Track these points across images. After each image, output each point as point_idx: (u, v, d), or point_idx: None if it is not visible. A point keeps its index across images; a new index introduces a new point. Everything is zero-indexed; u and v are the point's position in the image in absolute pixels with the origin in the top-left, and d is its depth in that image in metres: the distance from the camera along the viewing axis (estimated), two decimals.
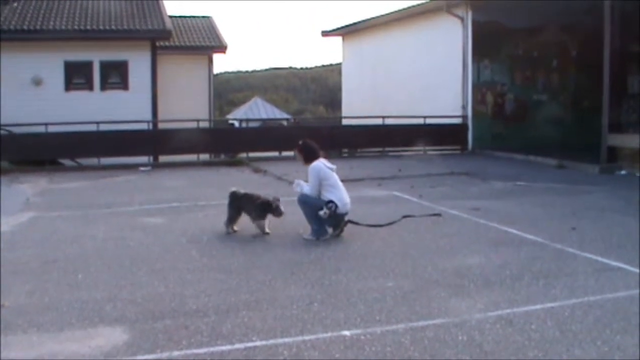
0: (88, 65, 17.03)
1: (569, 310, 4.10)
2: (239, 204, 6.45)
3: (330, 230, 6.37)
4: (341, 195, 6.32)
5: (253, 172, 12.82)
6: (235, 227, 6.58)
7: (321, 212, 6.09)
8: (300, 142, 6.35)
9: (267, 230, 6.32)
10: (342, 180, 6.65)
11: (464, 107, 16.54)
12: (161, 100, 18.19)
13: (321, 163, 6.23)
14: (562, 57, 17.59)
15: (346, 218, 6.43)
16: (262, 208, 6.33)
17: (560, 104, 17.47)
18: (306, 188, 6.30)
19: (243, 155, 15.50)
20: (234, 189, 6.69)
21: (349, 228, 6.56)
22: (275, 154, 15.55)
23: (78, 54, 16.93)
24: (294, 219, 6.88)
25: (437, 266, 5.26)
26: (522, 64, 17.07)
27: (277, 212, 6.26)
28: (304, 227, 6.55)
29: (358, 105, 21.04)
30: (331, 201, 6.18)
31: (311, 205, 6.23)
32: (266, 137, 15.70)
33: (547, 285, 4.69)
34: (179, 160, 14.32)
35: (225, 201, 6.81)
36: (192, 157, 14.72)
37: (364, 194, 9.38)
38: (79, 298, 4.41)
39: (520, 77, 17.12)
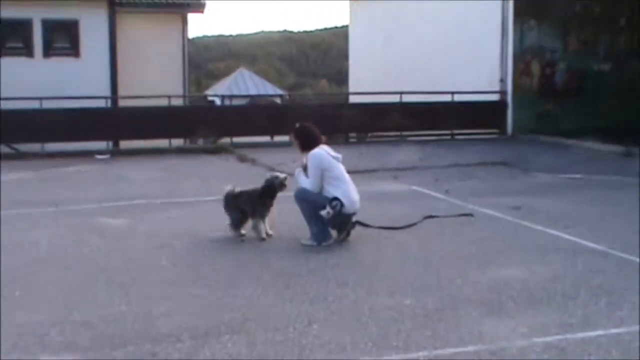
0: (26, 25, 17.09)
1: (638, 338, 4.06)
2: (237, 203, 6.65)
3: (334, 233, 6.47)
4: (348, 191, 6.39)
5: (238, 161, 12.93)
6: (243, 230, 6.76)
7: (323, 212, 6.16)
8: (297, 125, 6.43)
9: (264, 235, 6.51)
10: (350, 172, 6.74)
11: (502, 81, 16.62)
12: (122, 70, 18.17)
13: (323, 150, 6.31)
14: (635, 14, 16.91)
15: (354, 219, 6.52)
16: (267, 194, 6.52)
17: (628, 76, 16.98)
18: (305, 181, 6.38)
19: (226, 140, 15.67)
20: (228, 188, 6.80)
21: (357, 231, 6.67)
22: (266, 139, 15.71)
23: (13, 10, 16.49)
24: (289, 220, 7.00)
25: (468, 279, 5.31)
26: (578, 25, 16.72)
27: (282, 186, 6.52)
28: (303, 230, 6.65)
29: (368, 80, 21.05)
30: (336, 198, 6.24)
31: (311, 203, 6.30)
32: (254, 118, 15.74)
33: (610, 305, 4.70)
34: (145, 147, 14.43)
35: (208, 198, 7.23)
36: (162, 142, 14.81)
37: (377, 188, 9.52)
38: (16, 321, 4.39)
39: (576, 41, 16.89)
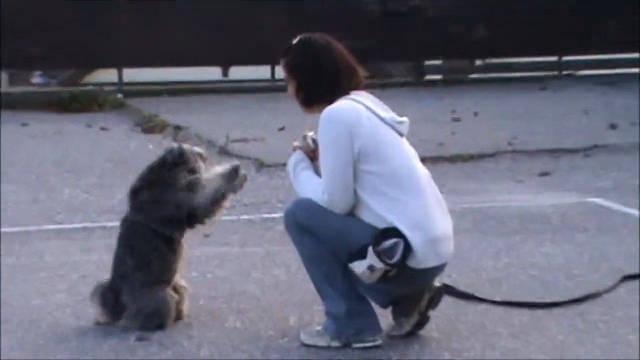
0: None
1: None
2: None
3: (384, 317, 5.31)
4: (421, 210, 4.98)
5: (136, 129, 11.75)
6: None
7: (358, 266, 4.93)
8: (297, 41, 5.23)
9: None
10: (428, 160, 6.70)
11: None
12: None
13: (358, 105, 5.06)
14: None
15: (438, 281, 5.19)
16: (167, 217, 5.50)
17: None
18: (311, 185, 5.11)
19: (108, 76, 15.06)
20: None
21: (449, 309, 5.55)
22: (214, 73, 15.23)
23: None
24: (265, 278, 6.20)
25: None
26: None
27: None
28: (305, 303, 5.67)
29: None
30: (390, 231, 4.87)
31: (327, 241, 4.98)
32: (192, 21, 14.41)
33: None
34: None
35: (47, 226, 7.32)
36: None
37: (500, 201, 8.34)
38: None
39: None
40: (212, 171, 5.57)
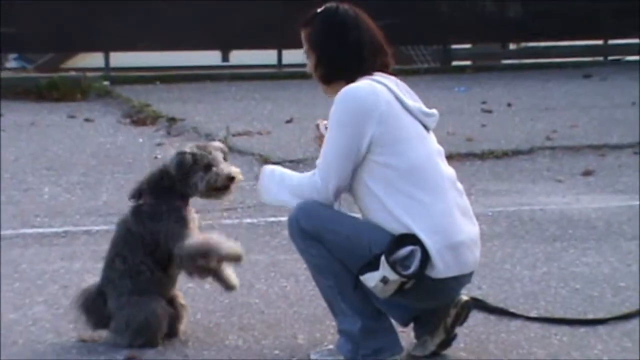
0: None
1: None
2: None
3: (405, 334, 5.37)
4: (443, 214, 4.99)
5: (124, 121, 11.79)
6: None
7: (370, 279, 4.94)
8: (321, 10, 5.26)
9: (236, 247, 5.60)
10: (455, 157, 6.70)
11: None
12: None
13: (380, 86, 5.10)
14: None
15: (465, 295, 5.18)
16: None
17: None
18: (317, 181, 5.11)
19: (92, 59, 15.41)
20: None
21: (479, 325, 5.60)
22: (212, 58, 15.31)
23: None
24: (274, 291, 6.21)
25: None
26: None
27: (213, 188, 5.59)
28: (316, 320, 5.68)
29: None
30: (407, 237, 4.88)
31: (337, 249, 5.07)
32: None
33: None
34: None
35: (23, 230, 7.38)
36: None
37: (537, 204, 8.36)
38: None
39: None
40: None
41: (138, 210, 5.49)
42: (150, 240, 5.47)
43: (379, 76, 5.05)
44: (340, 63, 5.14)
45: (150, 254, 5.45)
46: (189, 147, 5.50)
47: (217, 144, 5.68)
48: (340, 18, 5.19)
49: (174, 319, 5.57)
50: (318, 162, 5.17)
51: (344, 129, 4.98)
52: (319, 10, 5.23)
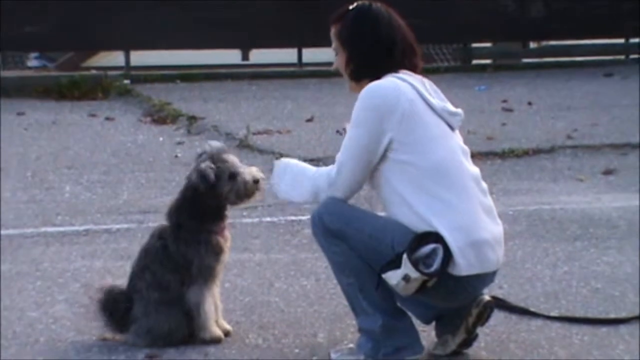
0: None
1: None
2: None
3: (426, 333, 5.39)
4: (466, 213, 4.99)
5: (145, 119, 11.73)
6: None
7: (392, 277, 4.95)
8: (353, 7, 5.33)
9: (216, 333, 5.61)
10: (475, 156, 6.10)
11: None
12: None
13: (403, 84, 5.12)
14: None
15: (487, 295, 5.21)
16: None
17: None
18: (337, 177, 5.17)
19: (112, 58, 15.45)
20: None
21: (500, 324, 5.61)
22: (232, 56, 15.37)
23: None
24: (294, 290, 6.20)
25: None
26: None
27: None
28: (336, 318, 5.68)
29: None
30: (429, 235, 4.91)
31: (358, 246, 5.08)
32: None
33: None
34: None
35: (45, 228, 7.30)
36: None
37: (558, 203, 8.34)
38: None
39: None
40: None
41: (178, 232, 5.54)
42: (183, 262, 5.53)
43: (405, 74, 5.07)
44: (371, 60, 5.17)
45: (179, 273, 5.53)
46: (204, 164, 5.52)
47: (218, 144, 5.70)
48: (373, 15, 5.21)
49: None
50: (337, 156, 5.17)
51: (364, 126, 5.00)
52: (351, 7, 5.27)
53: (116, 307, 5.48)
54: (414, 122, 4.96)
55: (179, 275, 5.52)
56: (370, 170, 5.14)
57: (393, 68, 5.13)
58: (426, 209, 4.91)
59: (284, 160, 5.44)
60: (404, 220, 4.95)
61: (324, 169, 5.26)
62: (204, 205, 5.51)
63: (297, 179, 5.37)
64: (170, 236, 5.61)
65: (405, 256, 4.78)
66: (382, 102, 5.01)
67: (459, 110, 5.21)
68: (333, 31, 5.29)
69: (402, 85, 5.03)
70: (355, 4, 5.32)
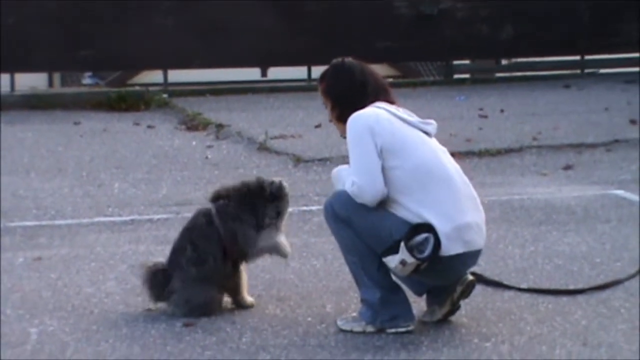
0: None
1: None
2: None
3: (417, 303, 5.37)
4: (451, 203, 4.99)
5: (180, 127, 11.57)
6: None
7: (391, 260, 4.96)
8: (329, 67, 5.38)
9: (287, 250, 5.66)
10: (456, 155, 5.93)
11: None
12: None
13: (379, 110, 5.18)
14: None
15: (468, 271, 5.21)
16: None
17: None
18: (346, 179, 5.18)
19: (152, 77, 15.07)
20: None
21: (478, 295, 5.54)
22: (253, 74, 14.97)
23: None
24: (306, 268, 6.17)
25: None
26: None
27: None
28: (341, 292, 5.67)
29: None
30: (422, 226, 4.91)
31: (363, 233, 5.01)
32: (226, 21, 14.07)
33: None
34: None
35: (97, 218, 7.24)
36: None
37: (525, 194, 8.25)
38: None
39: None
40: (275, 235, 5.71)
41: (224, 209, 5.51)
42: (227, 236, 5.49)
43: (380, 103, 5.07)
44: (350, 102, 5.10)
45: (222, 246, 5.48)
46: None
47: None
48: (346, 67, 5.21)
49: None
50: (353, 180, 5.08)
51: (360, 144, 4.98)
52: (334, 63, 5.30)
53: (156, 281, 5.46)
54: (395, 134, 4.97)
55: (221, 249, 5.46)
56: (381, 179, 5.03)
57: (369, 100, 5.14)
58: (416, 205, 4.88)
59: (334, 170, 5.40)
60: (400, 216, 4.95)
61: (351, 178, 5.17)
62: (251, 201, 5.45)
63: (344, 177, 5.23)
64: (216, 214, 5.50)
65: (402, 244, 4.80)
66: (366, 122, 4.99)
67: (431, 120, 5.20)
68: (319, 90, 5.33)
69: (378, 110, 5.02)
70: (332, 62, 5.35)
